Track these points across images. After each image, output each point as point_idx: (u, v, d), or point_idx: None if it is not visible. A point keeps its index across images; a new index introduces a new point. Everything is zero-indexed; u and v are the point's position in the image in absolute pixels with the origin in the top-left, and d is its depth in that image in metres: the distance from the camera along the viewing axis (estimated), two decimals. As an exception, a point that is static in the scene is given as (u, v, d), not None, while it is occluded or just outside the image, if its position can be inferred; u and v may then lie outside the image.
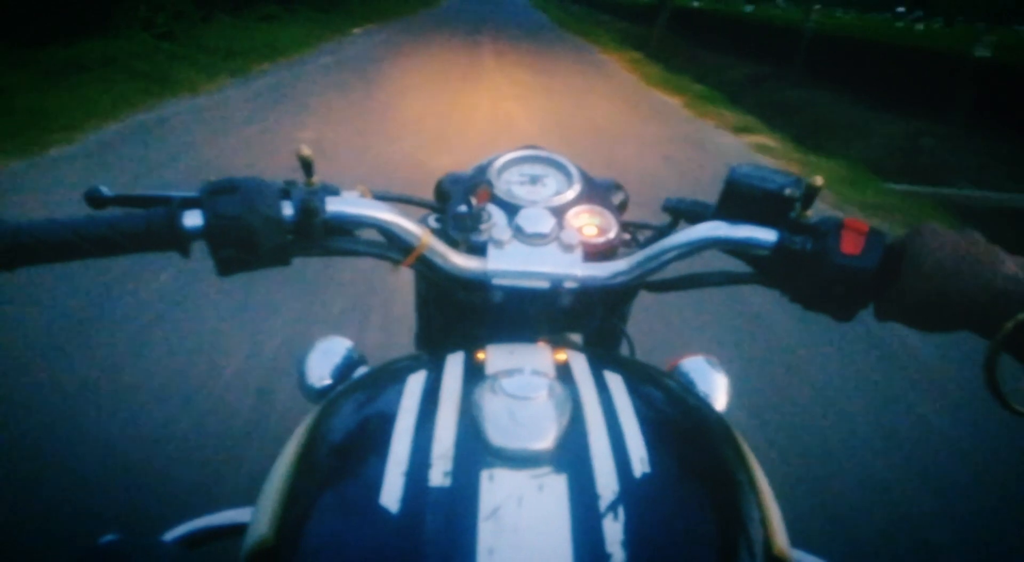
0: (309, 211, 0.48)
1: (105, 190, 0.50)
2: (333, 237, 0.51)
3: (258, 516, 0.41)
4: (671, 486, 0.39)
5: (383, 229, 0.53)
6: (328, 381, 0.62)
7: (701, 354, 0.67)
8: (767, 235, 0.52)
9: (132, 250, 0.47)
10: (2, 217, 0.45)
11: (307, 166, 0.52)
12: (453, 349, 0.49)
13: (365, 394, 0.49)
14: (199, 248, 0.48)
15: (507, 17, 21.03)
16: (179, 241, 0.47)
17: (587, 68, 10.14)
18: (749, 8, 25.39)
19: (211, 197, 0.47)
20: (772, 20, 15.87)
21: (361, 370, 0.63)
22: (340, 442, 0.43)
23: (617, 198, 0.64)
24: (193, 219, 0.47)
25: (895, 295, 0.46)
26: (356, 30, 12.38)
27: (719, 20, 16.73)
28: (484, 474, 0.36)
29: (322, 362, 0.63)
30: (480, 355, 0.48)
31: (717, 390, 0.63)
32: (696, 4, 21.49)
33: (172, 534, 0.59)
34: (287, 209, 0.48)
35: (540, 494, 0.35)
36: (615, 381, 0.45)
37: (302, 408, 0.53)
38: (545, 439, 0.37)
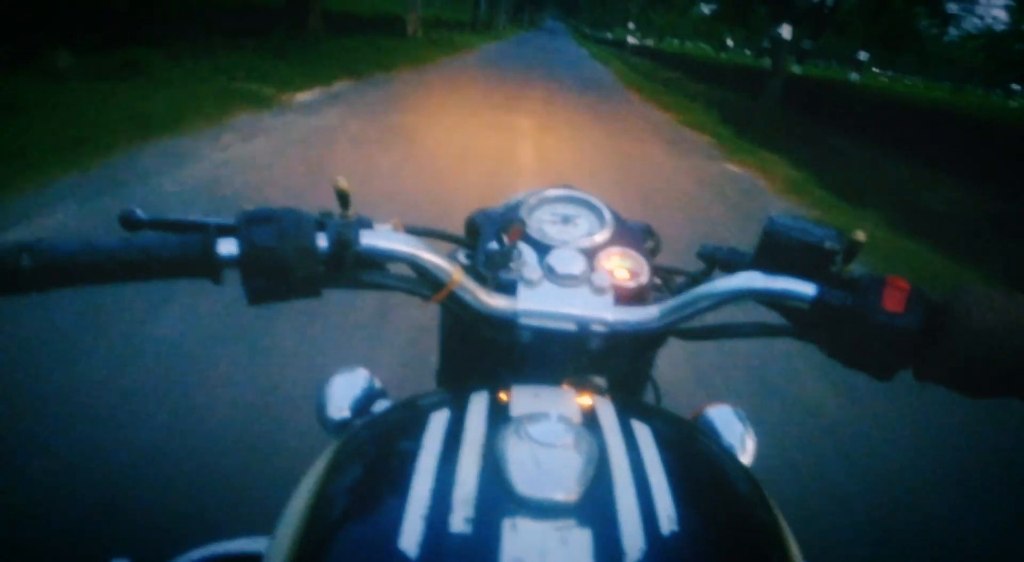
0: (343, 243, 0.48)
1: (140, 213, 0.49)
2: (365, 270, 0.51)
3: (273, 551, 0.41)
4: (698, 545, 0.38)
5: (415, 264, 0.52)
6: (347, 413, 0.62)
7: (727, 403, 0.66)
8: (806, 288, 0.50)
9: (165, 276, 0.47)
10: (39, 238, 0.44)
11: (343, 198, 0.51)
12: (476, 387, 0.48)
13: (386, 430, 0.48)
14: (230, 276, 0.48)
15: (560, 73, 17.15)
16: (213, 269, 0.46)
17: (681, 158, 6.86)
18: (854, 76, 21.62)
19: (247, 226, 0.46)
20: (909, 97, 11.71)
21: (381, 403, 0.63)
22: (360, 480, 0.42)
23: (649, 243, 0.64)
24: (228, 247, 0.46)
25: (937, 357, 0.45)
26: (302, 95, 7.36)
27: (840, 93, 12.49)
28: (506, 523, 0.35)
29: (342, 394, 0.63)
30: (504, 395, 0.47)
31: (743, 441, 0.63)
32: (795, 70, 17.41)
33: (183, 559, 0.59)
34: (321, 241, 0.48)
35: (564, 547, 0.34)
36: (642, 430, 0.44)
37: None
38: (571, 490, 0.36)
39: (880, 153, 8.99)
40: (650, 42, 38.17)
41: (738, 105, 13.74)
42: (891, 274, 0.49)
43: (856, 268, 0.51)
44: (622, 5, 72.49)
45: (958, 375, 0.45)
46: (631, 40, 35.79)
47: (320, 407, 0.62)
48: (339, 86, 8.57)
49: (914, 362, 0.47)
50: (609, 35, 57.95)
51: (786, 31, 13.14)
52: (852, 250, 0.51)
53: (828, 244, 0.50)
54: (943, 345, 0.44)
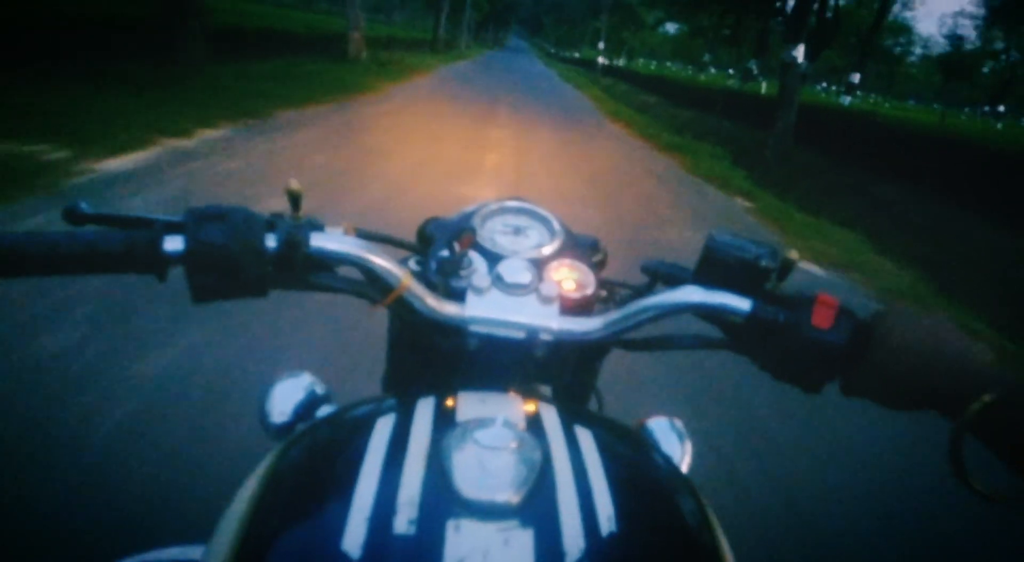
0: (292, 244, 0.48)
1: (85, 206, 0.48)
2: (313, 272, 0.51)
3: (212, 547, 0.40)
4: (637, 546, 0.39)
5: (364, 268, 0.52)
6: (289, 418, 0.62)
7: (666, 416, 0.69)
8: (741, 304, 0.52)
9: (109, 270, 0.46)
10: None
11: (295, 200, 0.51)
12: (423, 393, 0.48)
13: (330, 434, 0.48)
14: (175, 274, 0.48)
15: (532, 101, 14.63)
16: (159, 264, 0.46)
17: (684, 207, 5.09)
18: (846, 100, 19.68)
19: (195, 222, 0.46)
20: (933, 128, 9.78)
21: (326, 408, 0.62)
22: (302, 483, 0.42)
23: (597, 256, 0.65)
24: (175, 244, 0.46)
25: (862, 371, 0.47)
26: (117, 160, 4.47)
27: (858, 124, 10.67)
28: (450, 524, 0.35)
29: (285, 398, 0.63)
30: (451, 401, 0.47)
31: (681, 452, 0.65)
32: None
33: None
34: (270, 241, 0.48)
35: (506, 548, 0.34)
36: (585, 436, 0.45)
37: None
38: (514, 492, 0.37)
39: (931, 200, 7.18)
40: (620, 62, 36.12)
41: (740, 139, 11.31)
42: (821, 292, 0.50)
43: (789, 286, 0.53)
44: (588, 24, 71.12)
45: (881, 389, 0.46)
46: (601, 60, 33.68)
47: (263, 412, 0.63)
48: (204, 137, 5.57)
49: (841, 377, 0.49)
50: (576, 54, 56.05)
51: (799, 53, 10.83)
52: (786, 268, 0.52)
53: (764, 262, 0.52)
54: (867, 360, 0.46)
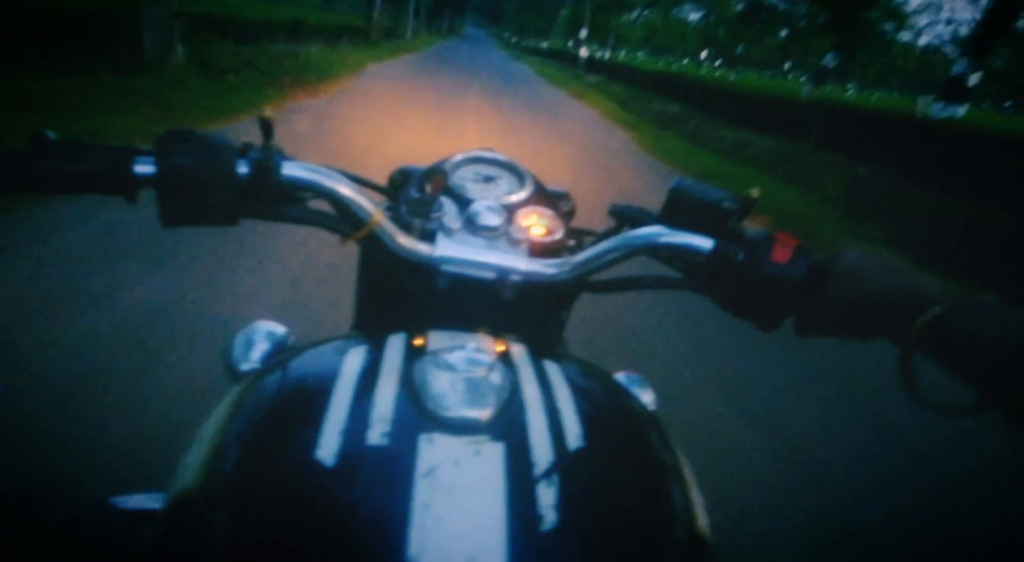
0: (264, 171, 0.47)
1: (52, 135, 0.46)
2: (284, 202, 0.51)
3: (179, 475, 0.40)
4: (604, 461, 0.40)
5: (336, 199, 0.51)
6: (256, 365, 0.61)
7: (632, 370, 0.74)
8: (704, 242, 0.53)
9: (79, 190, 0.45)
10: None
11: (267, 128, 0.49)
12: (393, 331, 0.48)
13: (300, 365, 0.47)
14: (145, 198, 0.47)
15: (522, 124, 7.63)
16: (129, 185, 0.45)
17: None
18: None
19: (167, 144, 0.45)
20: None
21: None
22: (271, 410, 0.42)
23: (566, 206, 0.65)
24: (145, 166, 0.45)
25: (818, 305, 0.48)
26: None
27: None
28: (422, 437, 0.36)
29: (252, 344, 0.62)
30: (420, 339, 0.47)
31: (646, 403, 0.69)
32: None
33: None
34: (242, 167, 0.47)
35: (477, 458, 0.36)
36: (553, 369, 0.46)
37: None
38: (484, 410, 0.38)
39: None
40: (604, 54, 29.43)
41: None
42: (779, 232, 0.51)
43: (749, 226, 0.53)
44: (556, 11, 64.17)
45: (836, 321, 0.48)
46: (583, 53, 26.96)
47: (228, 358, 0.62)
48: None
49: (797, 314, 0.50)
50: (543, 45, 48.98)
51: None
52: (746, 208, 0.53)
53: (726, 204, 0.53)
54: (823, 293, 0.47)
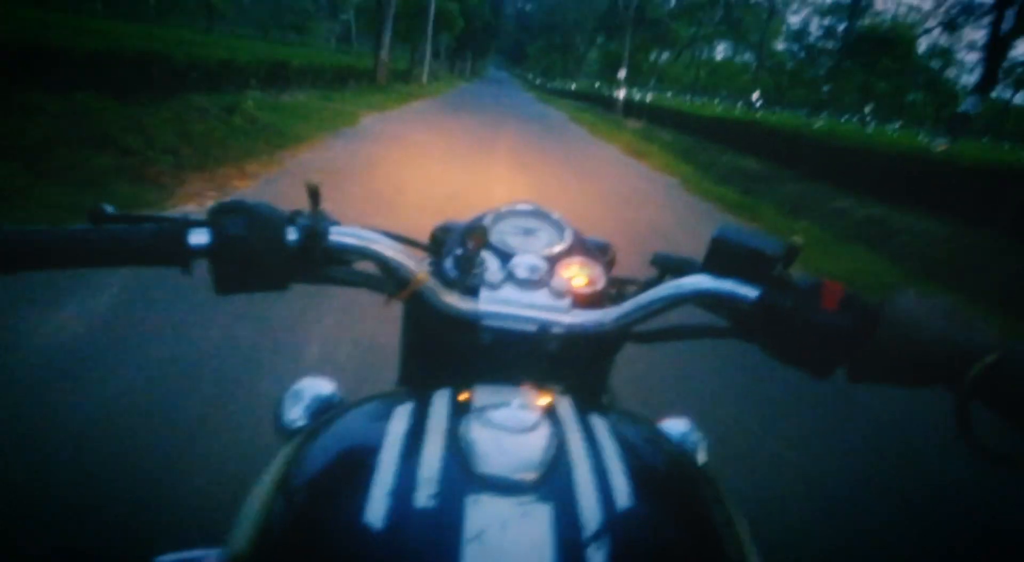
0: (312, 237, 0.49)
1: (109, 209, 0.48)
2: (332, 266, 0.52)
3: (233, 535, 0.40)
4: (654, 521, 0.39)
5: (382, 261, 0.53)
6: (304, 422, 0.61)
7: (680, 417, 0.69)
8: (750, 291, 0.53)
9: (136, 262, 0.47)
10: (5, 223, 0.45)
11: (314, 196, 0.51)
12: (439, 387, 0.48)
13: (347, 425, 0.48)
14: (199, 269, 0.48)
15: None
16: (184, 256, 0.47)
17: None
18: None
19: (219, 216, 0.47)
20: None
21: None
22: (321, 470, 0.42)
23: (607, 257, 0.65)
24: (199, 237, 0.47)
25: (870, 352, 0.47)
26: None
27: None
28: (469, 499, 0.36)
29: (300, 403, 0.63)
30: (466, 394, 0.47)
31: (696, 450, 0.65)
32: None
33: None
34: (291, 234, 0.49)
35: (525, 520, 0.35)
36: (599, 423, 0.45)
37: None
38: (531, 469, 0.38)
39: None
40: (644, 96, 26.22)
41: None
42: (827, 278, 0.51)
43: (795, 273, 0.53)
44: (585, 50, 61.79)
45: (888, 368, 0.47)
46: (621, 94, 23.79)
47: (278, 416, 0.62)
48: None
49: (848, 360, 0.49)
50: (571, 86, 46.24)
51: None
52: (791, 254, 0.53)
53: (770, 250, 0.53)
54: (875, 340, 0.46)
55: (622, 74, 24.03)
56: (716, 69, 39.22)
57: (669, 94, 32.57)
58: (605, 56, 37.28)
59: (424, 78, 26.46)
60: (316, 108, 10.55)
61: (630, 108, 24.21)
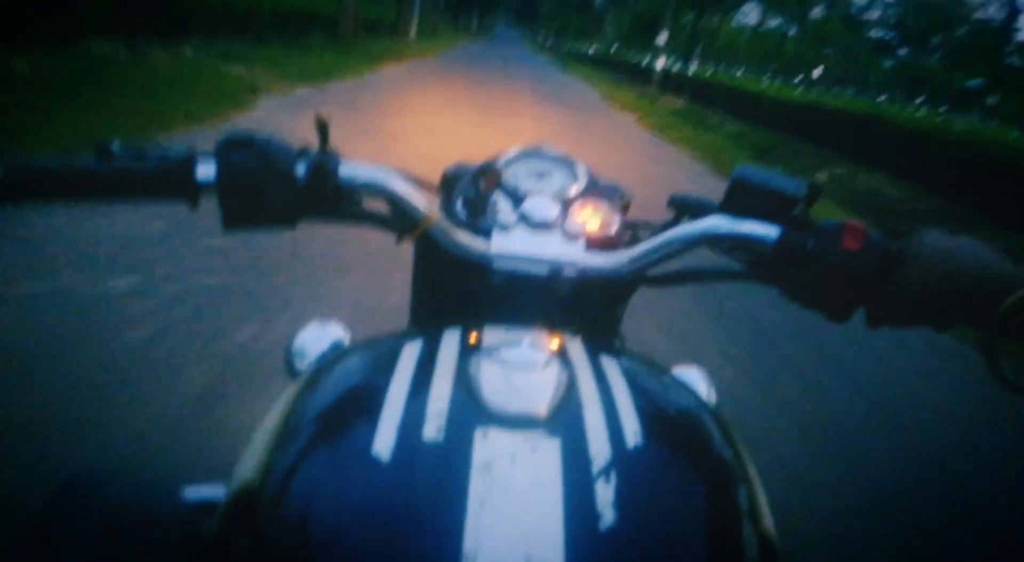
0: (322, 172, 0.48)
1: (116, 145, 0.46)
2: (341, 203, 0.51)
3: (242, 464, 0.41)
4: (663, 459, 0.39)
5: (392, 198, 0.51)
6: (315, 364, 0.61)
7: (690, 364, 0.69)
8: (770, 231, 0.51)
9: (142, 197, 0.46)
10: (14, 152, 0.43)
11: (323, 131, 0.50)
12: (449, 326, 0.48)
13: (358, 361, 0.48)
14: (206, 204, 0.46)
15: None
16: (191, 190, 0.46)
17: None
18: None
19: (227, 149, 0.46)
20: None
21: None
22: (328, 405, 0.42)
23: (621, 199, 0.62)
24: (207, 170, 0.46)
25: (891, 293, 0.46)
26: None
27: None
28: (478, 432, 0.36)
29: (311, 345, 0.64)
30: (476, 334, 0.47)
31: (706, 397, 0.65)
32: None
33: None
34: (300, 169, 0.48)
35: (533, 454, 0.35)
36: (610, 364, 0.45)
37: None
38: (540, 405, 0.38)
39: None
40: (686, 68, 21.18)
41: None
42: (848, 219, 0.49)
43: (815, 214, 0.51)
44: (601, 8, 55.40)
45: (909, 309, 0.46)
46: (659, 65, 18.85)
47: (288, 357, 0.64)
48: None
49: (868, 302, 0.48)
50: (589, 50, 40.57)
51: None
52: (814, 195, 0.51)
53: (792, 190, 0.51)
54: (898, 280, 0.45)
55: (662, 39, 18.99)
56: (757, 38, 33.71)
57: (712, 67, 27.35)
58: (636, 17, 31.80)
59: (412, 34, 21.12)
60: (203, 74, 5.84)
61: (670, 81, 19.30)
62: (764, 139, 11.42)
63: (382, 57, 12.68)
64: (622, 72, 25.28)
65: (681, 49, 23.36)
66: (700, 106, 15.80)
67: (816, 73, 22.58)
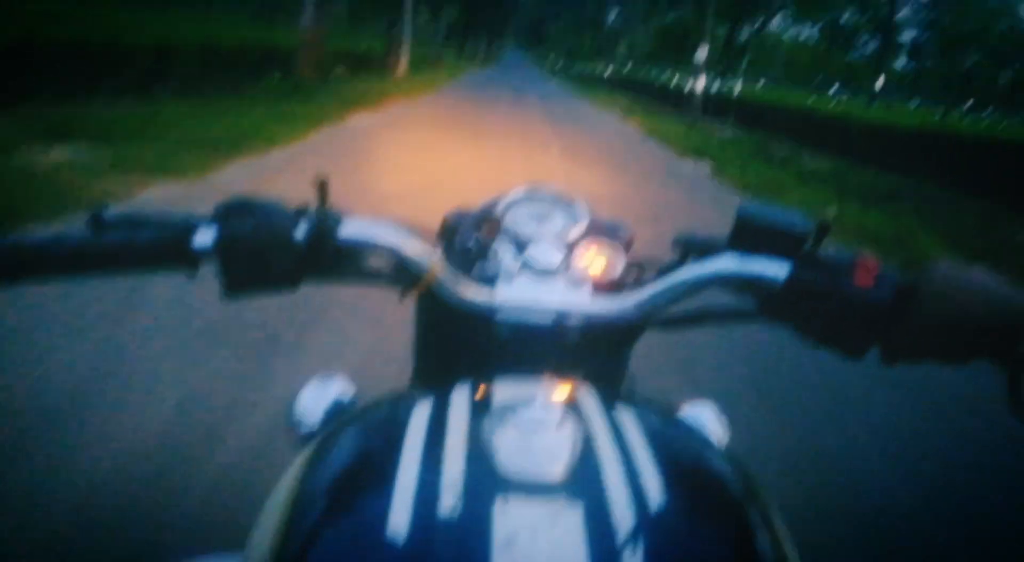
0: (322, 234, 0.47)
1: (108, 214, 0.46)
2: (343, 263, 0.51)
3: (252, 544, 0.40)
4: (688, 518, 0.38)
5: (394, 253, 0.51)
6: (319, 421, 0.60)
7: (702, 400, 0.68)
8: (780, 268, 0.50)
9: (140, 268, 0.45)
10: (6, 233, 0.43)
11: (323, 191, 0.50)
12: (457, 383, 0.47)
13: (366, 426, 0.46)
14: (205, 273, 0.46)
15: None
16: (189, 259, 0.46)
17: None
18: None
19: (224, 216, 0.45)
20: None
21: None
22: (340, 474, 0.41)
23: (624, 237, 0.62)
24: (204, 238, 0.45)
25: (907, 330, 0.45)
26: None
27: None
28: (496, 504, 0.35)
29: (315, 402, 0.62)
30: (485, 389, 0.46)
31: (719, 435, 0.64)
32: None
33: None
34: (300, 232, 0.47)
35: (555, 524, 0.34)
36: (625, 416, 0.44)
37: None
38: (558, 469, 0.37)
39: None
40: (732, 88, 18.02)
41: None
42: (860, 254, 0.48)
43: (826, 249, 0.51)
44: (631, 26, 52.45)
45: (928, 345, 0.45)
46: (699, 85, 15.76)
47: (292, 416, 0.61)
48: None
49: (884, 340, 0.47)
50: (606, 72, 37.63)
51: None
52: (822, 231, 0.50)
53: (800, 227, 0.50)
54: (914, 316, 0.44)
55: (702, 54, 15.88)
56: (798, 49, 30.53)
57: (752, 84, 24.19)
58: (661, 33, 28.74)
59: (402, 67, 17.78)
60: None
61: (710, 103, 16.17)
62: (871, 180, 8.29)
63: (354, 102, 9.60)
64: (644, 93, 22.25)
65: (717, 66, 20.21)
66: (754, 133, 12.73)
67: (878, 85, 19.34)
